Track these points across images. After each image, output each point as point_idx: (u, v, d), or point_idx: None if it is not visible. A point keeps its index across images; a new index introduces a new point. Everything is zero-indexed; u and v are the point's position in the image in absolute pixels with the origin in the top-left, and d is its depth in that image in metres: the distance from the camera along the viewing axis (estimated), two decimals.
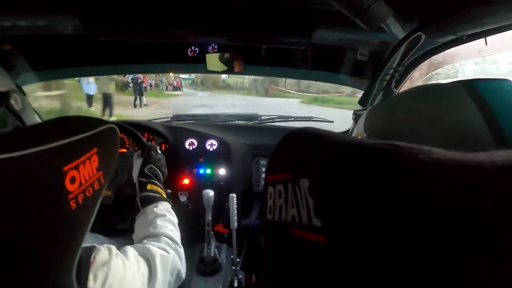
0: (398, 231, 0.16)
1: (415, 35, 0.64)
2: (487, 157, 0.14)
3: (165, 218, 0.69)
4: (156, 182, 0.78)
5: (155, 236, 0.64)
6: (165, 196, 0.77)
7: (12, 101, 0.46)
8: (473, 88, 0.28)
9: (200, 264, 1.03)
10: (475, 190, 0.13)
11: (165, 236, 0.64)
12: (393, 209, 0.16)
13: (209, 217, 0.99)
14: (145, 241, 0.62)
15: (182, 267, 0.63)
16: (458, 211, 0.13)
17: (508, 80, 0.29)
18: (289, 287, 0.24)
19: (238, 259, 1.00)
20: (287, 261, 0.24)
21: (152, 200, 0.72)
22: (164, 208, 0.72)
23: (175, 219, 0.72)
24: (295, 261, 0.23)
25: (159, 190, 0.76)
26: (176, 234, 0.68)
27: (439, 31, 0.63)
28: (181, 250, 0.66)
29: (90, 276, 0.41)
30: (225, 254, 1.11)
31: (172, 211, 0.74)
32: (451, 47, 0.78)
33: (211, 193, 1.00)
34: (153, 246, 0.58)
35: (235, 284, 0.95)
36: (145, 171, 0.78)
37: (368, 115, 0.40)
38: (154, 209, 0.70)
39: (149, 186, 0.75)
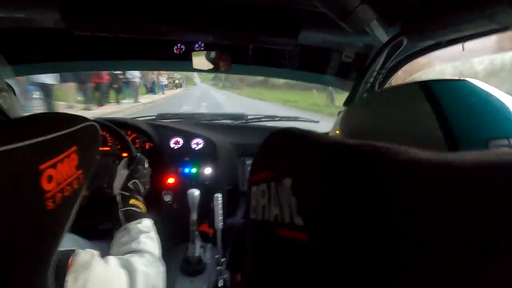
0: (377, 229, 0.16)
1: (397, 39, 0.65)
2: (458, 157, 0.15)
3: (149, 235, 0.68)
4: (138, 197, 0.76)
5: (139, 252, 0.62)
6: (145, 211, 0.75)
7: (0, 100, 0.44)
8: (429, 90, 0.28)
9: (184, 264, 1.02)
10: (448, 188, 0.14)
11: (148, 253, 0.63)
12: (373, 207, 0.16)
13: (194, 216, 0.98)
14: (128, 256, 0.60)
15: (161, 285, 0.63)
16: (433, 208, 0.14)
17: (465, 81, 0.29)
18: (272, 286, 0.24)
19: (223, 259, 0.99)
20: (270, 260, 0.25)
21: (135, 216, 0.71)
22: (147, 224, 0.71)
23: (157, 237, 0.71)
24: (278, 260, 0.23)
25: (141, 206, 0.75)
26: (158, 252, 0.67)
27: (420, 36, 0.65)
28: (163, 269, 0.65)
29: (69, 278, 0.40)
30: (210, 254, 1.11)
31: (154, 228, 0.73)
32: (432, 51, 0.81)
33: (196, 192, 0.99)
34: (136, 261, 0.57)
35: (220, 284, 0.95)
36: (129, 185, 0.76)
37: (342, 115, 0.41)
38: (138, 225, 0.69)
39: (131, 201, 0.74)
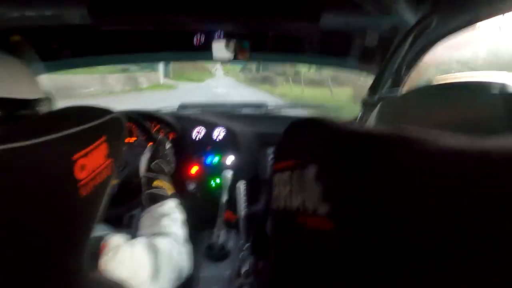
0: (404, 217, 0.16)
1: (428, 19, 0.61)
2: (495, 144, 0.13)
3: (170, 217, 0.70)
4: (162, 177, 0.78)
5: (161, 235, 0.65)
6: (171, 191, 0.77)
7: (39, 108, 0.48)
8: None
9: (208, 250, 1.06)
10: (480, 179, 0.13)
11: (170, 235, 0.65)
12: (398, 196, 0.16)
13: (224, 198, 1.02)
14: (151, 238, 0.63)
15: (185, 264, 0.64)
16: (463, 200, 0.13)
17: None
18: (295, 274, 0.24)
19: (246, 246, 1.02)
20: (293, 248, 0.25)
21: (158, 198, 0.73)
22: (169, 206, 0.72)
23: (180, 217, 0.72)
24: (301, 248, 0.24)
25: (166, 186, 0.76)
26: (181, 232, 0.69)
27: (453, 11, 0.60)
28: (185, 249, 0.67)
29: (102, 261, 0.43)
30: (234, 240, 1.13)
31: (177, 208, 0.74)
32: (466, 28, 0.74)
33: (229, 173, 1.04)
34: (160, 242, 0.60)
35: (243, 270, 0.98)
36: (151, 166, 0.78)
37: (381, 109, 0.39)
38: (159, 208, 0.71)
39: (155, 182, 0.75)
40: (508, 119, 0.25)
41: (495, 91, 0.27)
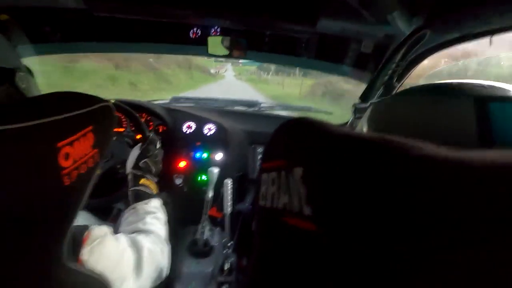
0: (384, 223, 0.16)
1: (421, 32, 0.63)
2: (477, 156, 0.14)
3: (155, 216, 0.69)
4: (149, 177, 0.77)
5: (144, 232, 0.64)
6: (156, 191, 0.77)
7: (17, 79, 0.45)
8: (484, 110, 0.27)
9: (192, 246, 1.05)
10: (462, 188, 0.13)
11: (153, 233, 0.65)
12: (382, 200, 0.16)
13: (209, 194, 1.01)
14: (134, 235, 0.62)
15: (165, 265, 0.64)
16: (443, 208, 0.14)
17: None
18: (278, 273, 0.25)
19: (230, 243, 1.02)
20: (277, 247, 0.25)
21: (143, 196, 0.72)
22: (155, 205, 0.72)
23: (164, 217, 0.73)
24: (285, 248, 0.24)
25: (151, 186, 0.76)
26: (164, 232, 0.69)
27: (446, 28, 0.62)
28: (167, 248, 0.67)
29: (85, 251, 0.42)
30: (218, 237, 1.13)
31: (162, 208, 0.74)
32: (457, 45, 0.77)
33: (215, 170, 1.03)
34: (142, 240, 0.59)
35: (226, 267, 0.98)
36: (140, 164, 0.77)
37: (372, 110, 0.39)
38: (145, 206, 0.70)
39: (142, 181, 0.75)
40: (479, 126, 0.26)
41: (483, 93, 0.28)
